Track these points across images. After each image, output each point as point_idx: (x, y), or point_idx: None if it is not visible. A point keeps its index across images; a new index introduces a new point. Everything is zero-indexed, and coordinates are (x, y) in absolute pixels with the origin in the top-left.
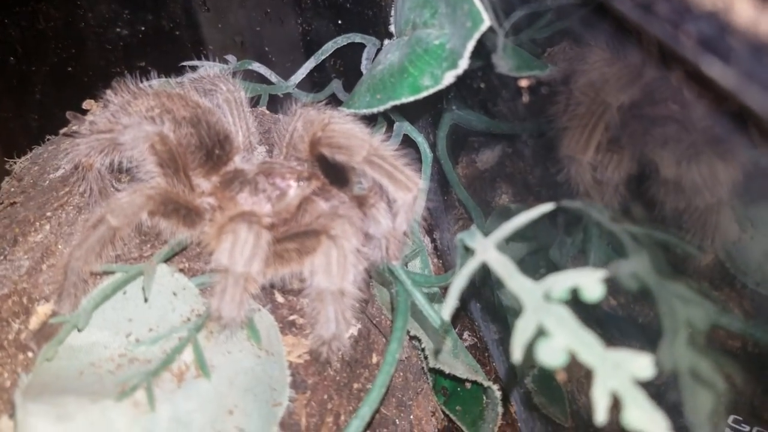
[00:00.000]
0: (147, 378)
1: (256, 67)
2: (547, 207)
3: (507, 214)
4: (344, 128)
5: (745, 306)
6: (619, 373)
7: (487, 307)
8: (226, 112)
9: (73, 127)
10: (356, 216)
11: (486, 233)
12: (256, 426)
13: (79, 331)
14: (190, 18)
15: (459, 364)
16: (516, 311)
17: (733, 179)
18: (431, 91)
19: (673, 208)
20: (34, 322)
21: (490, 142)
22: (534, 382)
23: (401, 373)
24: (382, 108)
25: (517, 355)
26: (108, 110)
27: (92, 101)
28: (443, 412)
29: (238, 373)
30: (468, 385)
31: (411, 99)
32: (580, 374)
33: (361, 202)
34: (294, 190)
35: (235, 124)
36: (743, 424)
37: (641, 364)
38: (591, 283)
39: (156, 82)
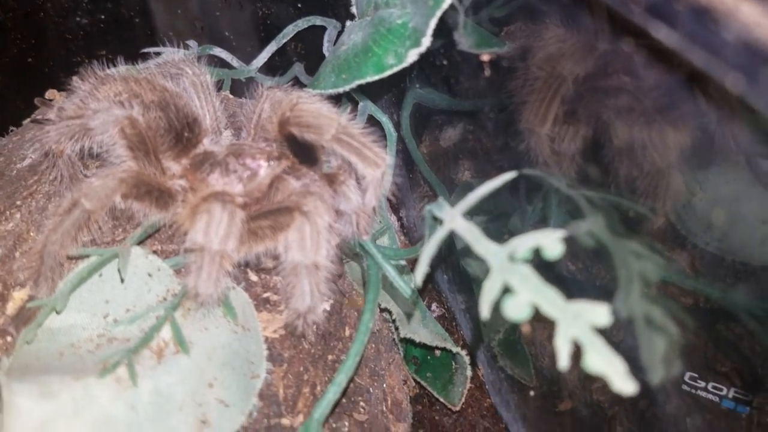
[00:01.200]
0: (128, 355)
1: (218, 52)
2: (509, 175)
3: (470, 190)
4: (312, 107)
5: (695, 265)
6: (578, 322)
7: (453, 278)
8: (193, 96)
9: (41, 115)
10: (327, 193)
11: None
12: (235, 397)
13: (57, 313)
14: (148, 5)
15: (428, 333)
16: (481, 280)
17: (681, 145)
18: (395, 69)
19: (627, 174)
20: (10, 308)
21: (452, 119)
22: (500, 346)
23: (373, 345)
24: (347, 87)
25: (485, 312)
26: (76, 96)
27: (55, 91)
28: (414, 380)
29: (216, 348)
30: (437, 353)
31: (376, 78)
32: (542, 337)
33: (331, 179)
34: (264, 169)
35: (202, 107)
36: (699, 381)
37: (599, 313)
38: (551, 242)
39: (123, 68)
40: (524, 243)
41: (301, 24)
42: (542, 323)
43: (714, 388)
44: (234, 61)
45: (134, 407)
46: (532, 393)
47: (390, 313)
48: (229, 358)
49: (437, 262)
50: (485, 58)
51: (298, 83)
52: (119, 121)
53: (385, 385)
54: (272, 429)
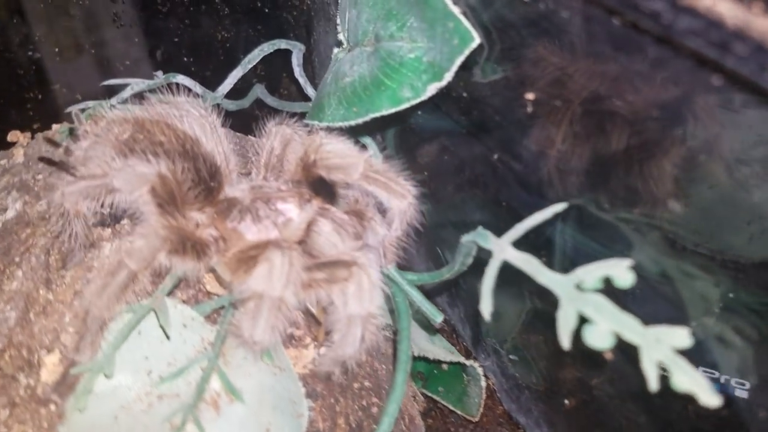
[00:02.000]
0: (190, 411)
1: (181, 79)
2: (560, 206)
3: (456, 206)
4: (338, 149)
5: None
6: (661, 346)
7: (451, 292)
8: (204, 139)
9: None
10: (358, 229)
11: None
12: None
13: (107, 377)
14: (104, 34)
15: (438, 349)
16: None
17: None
18: (413, 102)
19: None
20: (45, 374)
21: (436, 140)
22: (510, 353)
23: (384, 366)
24: (361, 120)
25: (565, 343)
26: (85, 141)
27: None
28: (423, 395)
29: (263, 391)
30: (445, 367)
31: (392, 110)
32: (537, 340)
33: (359, 216)
34: (297, 213)
35: (217, 151)
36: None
37: (679, 335)
38: (621, 271)
39: (91, 104)
40: (592, 272)
41: (267, 48)
42: (538, 331)
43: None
44: (197, 88)
45: None
46: (566, 402)
47: (395, 333)
48: (276, 401)
49: (436, 286)
50: (516, 85)
51: (261, 105)
52: (149, 180)
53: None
54: None
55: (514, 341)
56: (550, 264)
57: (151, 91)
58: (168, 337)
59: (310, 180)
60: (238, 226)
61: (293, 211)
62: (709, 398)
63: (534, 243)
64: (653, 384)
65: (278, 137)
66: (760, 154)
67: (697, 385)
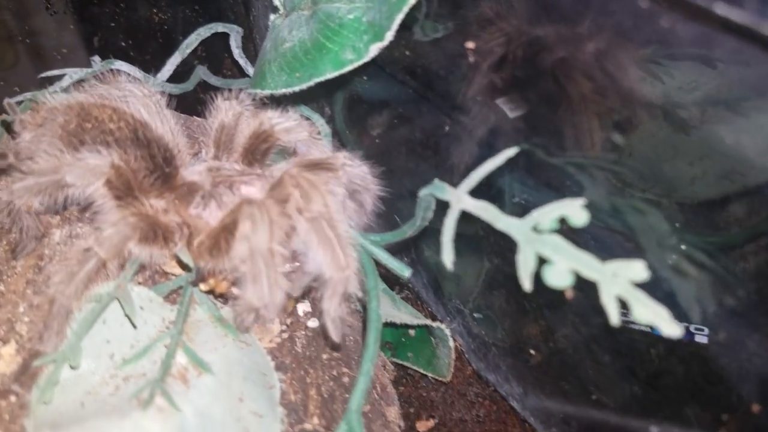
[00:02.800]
0: (158, 385)
1: (119, 65)
2: (511, 151)
3: (408, 171)
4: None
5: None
6: (619, 280)
7: (412, 258)
8: (153, 122)
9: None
10: None
11: (395, 196)
12: (264, 408)
13: (73, 368)
14: (39, 24)
15: (404, 315)
16: (437, 259)
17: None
18: (356, 64)
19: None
20: (2, 365)
21: (384, 107)
22: (472, 313)
23: (351, 337)
24: (305, 85)
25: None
26: (28, 133)
27: None
28: (393, 364)
29: (231, 364)
30: (412, 333)
31: (335, 74)
32: (498, 299)
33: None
34: (260, 195)
35: (167, 133)
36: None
37: (636, 269)
38: (575, 210)
39: (29, 95)
40: (547, 214)
41: (204, 32)
42: (499, 289)
43: None
44: (137, 73)
45: (184, 431)
46: (532, 354)
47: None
48: (246, 373)
49: (396, 247)
50: (460, 42)
51: (206, 86)
52: (103, 173)
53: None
54: None
55: (476, 301)
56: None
57: (93, 78)
58: (134, 326)
59: (262, 154)
60: (203, 213)
61: (258, 194)
62: (670, 328)
63: (489, 196)
64: (614, 318)
65: (229, 113)
66: (696, 98)
67: (657, 316)
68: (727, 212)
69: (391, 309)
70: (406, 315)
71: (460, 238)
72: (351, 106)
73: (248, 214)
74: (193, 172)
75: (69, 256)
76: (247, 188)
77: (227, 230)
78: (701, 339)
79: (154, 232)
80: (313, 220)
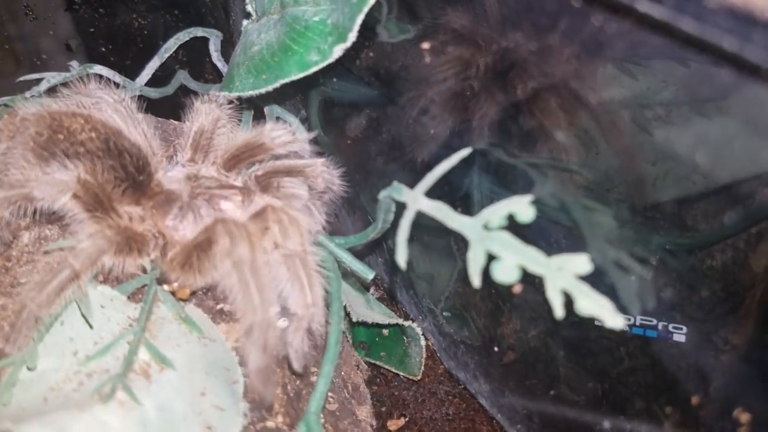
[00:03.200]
0: (119, 379)
1: (98, 69)
2: (464, 152)
3: (385, 173)
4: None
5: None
6: (564, 274)
7: (387, 260)
8: (125, 128)
9: None
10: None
11: (369, 198)
12: (227, 402)
13: (29, 369)
14: (18, 29)
15: (377, 314)
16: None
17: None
18: (321, 65)
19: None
20: None
21: (358, 109)
22: (443, 313)
23: (323, 337)
24: (271, 87)
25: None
26: (1, 145)
27: None
28: (367, 363)
29: (194, 360)
30: (386, 333)
31: (300, 75)
32: (475, 299)
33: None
34: (240, 211)
35: (140, 138)
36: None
37: (580, 262)
38: (522, 206)
39: (4, 100)
40: (496, 212)
41: (183, 37)
42: (471, 287)
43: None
44: (117, 77)
45: (145, 425)
46: (497, 353)
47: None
48: (209, 368)
49: (370, 247)
50: (426, 46)
51: (186, 91)
52: (69, 188)
53: (343, 373)
54: None
55: (447, 300)
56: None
57: (69, 83)
58: (91, 327)
59: (248, 162)
60: (179, 225)
61: (236, 212)
62: (613, 320)
63: (453, 199)
64: (558, 312)
65: (208, 117)
66: (664, 98)
67: (600, 307)
68: (687, 213)
69: (364, 309)
70: (378, 315)
71: (433, 238)
72: (325, 108)
73: (225, 231)
74: (171, 179)
75: (42, 265)
76: (226, 204)
77: (200, 248)
78: (679, 338)
79: (130, 245)
80: (287, 257)
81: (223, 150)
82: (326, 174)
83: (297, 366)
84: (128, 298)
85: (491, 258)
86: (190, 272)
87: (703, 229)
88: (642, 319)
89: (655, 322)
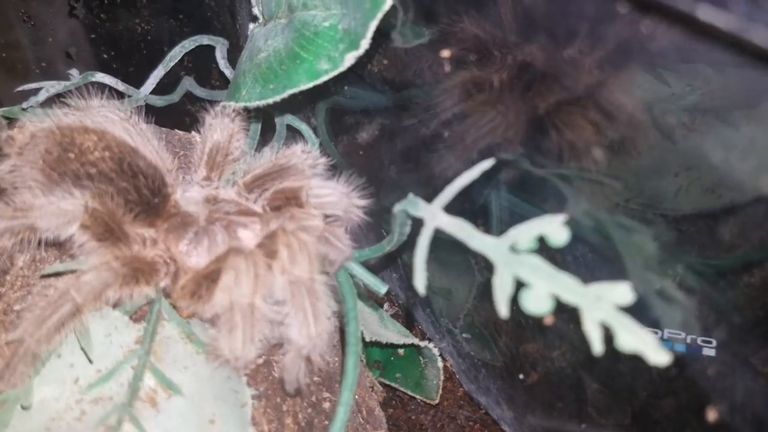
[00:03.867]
0: (125, 410)
1: (101, 78)
2: (487, 163)
3: (398, 185)
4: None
5: None
6: (602, 305)
7: (401, 275)
8: (141, 146)
9: None
10: None
11: (381, 209)
12: (236, 428)
13: (24, 409)
14: (14, 36)
15: (391, 333)
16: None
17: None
18: (331, 74)
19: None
20: None
21: (369, 118)
22: (463, 332)
23: (336, 359)
24: (278, 98)
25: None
26: (8, 161)
27: None
28: (381, 384)
29: (202, 383)
30: (401, 352)
31: (310, 85)
32: (496, 316)
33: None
34: (257, 239)
35: (153, 155)
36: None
37: (621, 292)
38: (555, 228)
39: (5, 110)
40: (526, 232)
41: (188, 45)
42: (492, 303)
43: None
44: (119, 85)
45: None
46: (519, 379)
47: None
48: (217, 392)
49: (383, 262)
50: (444, 53)
51: (192, 98)
52: (76, 218)
53: (356, 397)
54: None
55: (467, 319)
56: (490, 232)
57: (69, 92)
58: (91, 361)
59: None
60: (193, 252)
61: (253, 240)
62: (658, 356)
63: (472, 212)
64: (597, 347)
65: (223, 132)
66: (689, 103)
67: (643, 343)
68: (711, 228)
69: (378, 327)
70: (392, 334)
71: (449, 250)
72: (334, 117)
73: (233, 265)
74: (189, 200)
75: (42, 298)
76: (245, 232)
77: (210, 278)
78: (709, 352)
79: (137, 277)
80: (293, 283)
81: (247, 169)
82: (346, 202)
83: (289, 389)
84: (130, 317)
85: (519, 284)
86: (199, 302)
87: (738, 250)
88: (670, 332)
89: (683, 335)
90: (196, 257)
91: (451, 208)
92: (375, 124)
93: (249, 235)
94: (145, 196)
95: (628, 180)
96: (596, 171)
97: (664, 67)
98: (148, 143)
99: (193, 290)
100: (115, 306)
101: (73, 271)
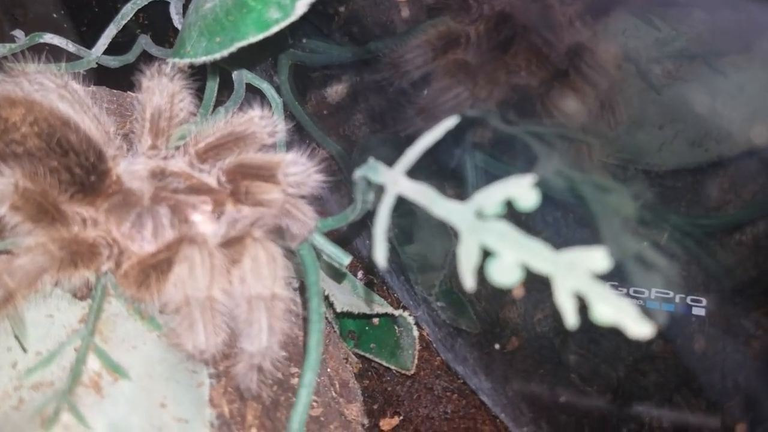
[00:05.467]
0: (64, 398)
1: (50, 38)
2: (451, 121)
3: (371, 146)
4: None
5: None
6: (576, 273)
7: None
8: (76, 117)
9: None
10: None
11: (353, 169)
12: (190, 411)
13: None
14: None
15: (362, 303)
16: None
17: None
18: (282, 24)
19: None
20: None
21: (336, 74)
22: (438, 300)
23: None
24: (226, 52)
25: (469, 282)
26: None
27: None
28: (356, 356)
29: (153, 364)
30: (376, 321)
31: (260, 36)
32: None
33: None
34: (211, 229)
35: (92, 126)
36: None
37: (596, 258)
38: (523, 190)
39: None
40: (491, 196)
41: (140, 1)
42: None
43: (635, 292)
44: (70, 46)
45: None
46: (497, 346)
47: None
48: (170, 372)
49: (355, 229)
50: None
51: (149, 57)
52: (5, 198)
53: (329, 369)
54: None
55: (442, 286)
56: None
57: (14, 56)
58: (25, 350)
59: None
60: (137, 235)
61: (206, 226)
62: (639, 328)
63: (447, 178)
64: (571, 319)
65: (163, 94)
66: (675, 49)
67: (622, 313)
68: (698, 185)
69: (350, 296)
70: (364, 303)
71: (424, 213)
72: (299, 75)
73: (187, 256)
74: (133, 174)
75: None
76: (195, 215)
77: (160, 268)
78: (698, 312)
79: (76, 260)
80: (253, 298)
81: (199, 136)
82: (299, 175)
83: (248, 395)
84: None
85: (487, 253)
86: (146, 292)
87: (728, 208)
88: (658, 292)
89: (671, 294)
90: (140, 241)
91: (423, 174)
92: (342, 81)
93: (200, 219)
94: (79, 176)
95: (609, 135)
96: (576, 128)
97: (653, 11)
98: (87, 112)
99: (140, 280)
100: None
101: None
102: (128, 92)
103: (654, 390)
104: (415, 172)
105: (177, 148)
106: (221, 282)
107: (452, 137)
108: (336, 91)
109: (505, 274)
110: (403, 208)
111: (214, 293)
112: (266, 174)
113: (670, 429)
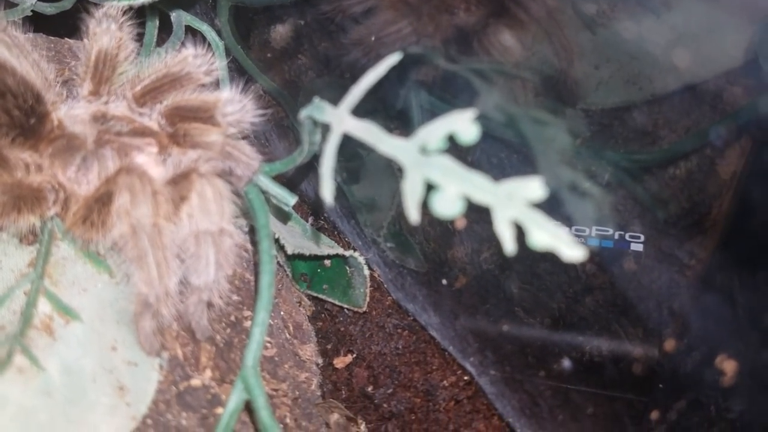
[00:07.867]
0: (16, 341)
1: None
2: (393, 58)
3: (316, 90)
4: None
5: None
6: (514, 202)
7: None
8: (11, 60)
9: None
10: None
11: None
12: (141, 355)
13: None
14: None
15: (313, 245)
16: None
17: None
18: None
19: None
20: None
21: (279, 14)
22: (386, 241)
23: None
24: None
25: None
26: None
27: None
28: (309, 298)
29: (104, 307)
30: (327, 263)
31: None
32: (424, 222)
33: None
34: (157, 171)
35: (30, 70)
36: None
37: (532, 187)
38: (464, 124)
39: None
40: (434, 131)
41: None
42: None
43: (577, 230)
44: None
45: (49, 393)
46: (444, 282)
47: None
48: (121, 315)
49: (303, 173)
50: None
51: (87, 4)
52: None
53: (282, 312)
54: (185, 394)
55: (390, 227)
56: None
57: None
58: None
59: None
60: (83, 178)
61: (152, 168)
62: (572, 252)
63: (393, 117)
64: (509, 246)
65: (111, 41)
66: None
67: (556, 239)
68: (634, 121)
69: (301, 239)
70: (315, 246)
71: (372, 155)
72: (240, 17)
73: (126, 184)
74: (75, 118)
75: None
76: (141, 157)
77: (101, 201)
78: (636, 247)
79: (19, 205)
80: (200, 233)
81: (137, 79)
82: (236, 113)
83: (201, 336)
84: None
85: (431, 187)
86: (92, 229)
87: (661, 144)
88: (597, 230)
89: (611, 231)
90: (86, 185)
91: (369, 116)
92: (286, 22)
93: (146, 161)
94: (18, 118)
95: (548, 75)
96: (515, 65)
97: None
98: (27, 56)
99: (84, 216)
100: None
101: None
102: (66, 39)
103: (593, 320)
104: (360, 113)
105: (115, 92)
106: (168, 214)
107: (396, 76)
108: (279, 33)
109: (448, 206)
110: (351, 151)
111: (160, 221)
112: (204, 115)
113: (608, 356)
